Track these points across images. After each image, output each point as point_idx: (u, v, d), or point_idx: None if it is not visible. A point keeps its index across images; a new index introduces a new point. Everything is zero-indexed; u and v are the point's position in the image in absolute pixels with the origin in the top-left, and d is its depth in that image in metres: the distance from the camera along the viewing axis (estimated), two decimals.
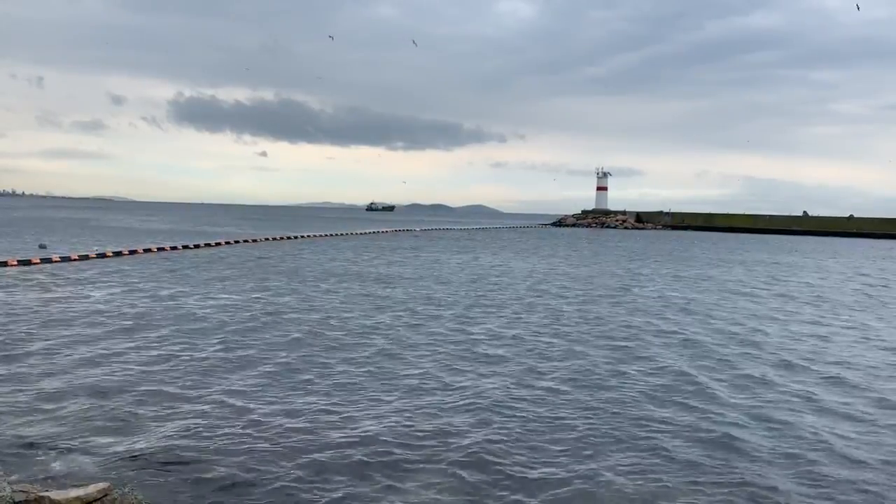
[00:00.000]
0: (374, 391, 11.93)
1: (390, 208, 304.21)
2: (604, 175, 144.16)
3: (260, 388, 11.83)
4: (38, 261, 31.09)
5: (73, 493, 6.92)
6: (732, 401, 12.02)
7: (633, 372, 13.86)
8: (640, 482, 8.43)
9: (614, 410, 11.24)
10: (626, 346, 16.50)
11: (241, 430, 9.69)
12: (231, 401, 11.03)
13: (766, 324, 20.85)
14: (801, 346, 17.43)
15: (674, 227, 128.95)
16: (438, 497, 7.86)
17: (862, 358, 16.13)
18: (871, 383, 13.61)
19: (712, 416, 11.13)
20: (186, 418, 10.14)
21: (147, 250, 40.04)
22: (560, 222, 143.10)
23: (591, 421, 10.65)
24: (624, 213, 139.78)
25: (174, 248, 42.84)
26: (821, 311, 24.08)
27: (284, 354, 14.39)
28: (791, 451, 9.65)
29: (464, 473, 8.48)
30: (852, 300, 27.92)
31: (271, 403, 10.98)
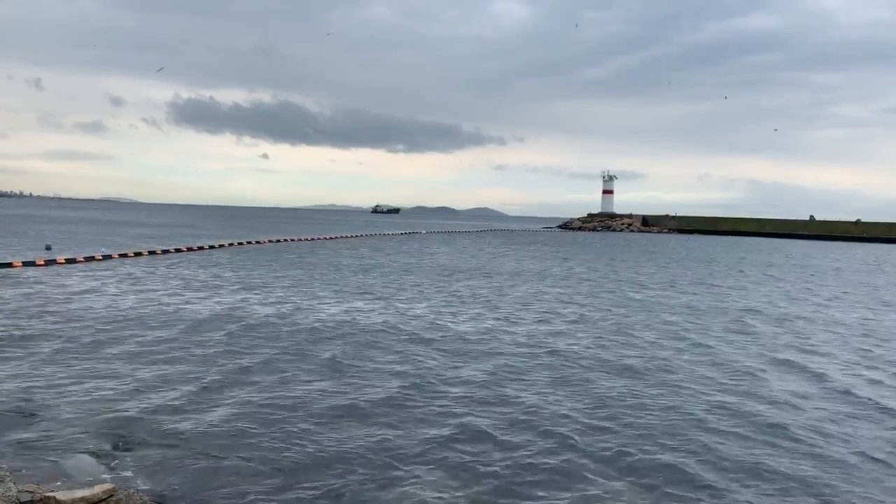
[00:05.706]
0: None
1: (396, 210, 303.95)
2: (609, 178, 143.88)
3: (263, 389, 11.84)
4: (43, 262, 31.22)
5: (79, 493, 6.92)
6: None
7: None
8: None
9: None
10: None
11: (251, 429, 9.69)
12: (240, 400, 11.05)
13: None
14: None
15: (680, 231, 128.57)
16: None
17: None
18: None
19: None
20: (190, 418, 10.16)
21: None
22: (566, 225, 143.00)
23: None
24: (630, 216, 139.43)
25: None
26: None
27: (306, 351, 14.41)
28: None
29: None
30: None
31: (280, 405, 10.99)
